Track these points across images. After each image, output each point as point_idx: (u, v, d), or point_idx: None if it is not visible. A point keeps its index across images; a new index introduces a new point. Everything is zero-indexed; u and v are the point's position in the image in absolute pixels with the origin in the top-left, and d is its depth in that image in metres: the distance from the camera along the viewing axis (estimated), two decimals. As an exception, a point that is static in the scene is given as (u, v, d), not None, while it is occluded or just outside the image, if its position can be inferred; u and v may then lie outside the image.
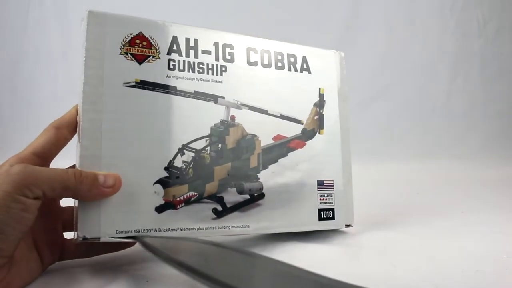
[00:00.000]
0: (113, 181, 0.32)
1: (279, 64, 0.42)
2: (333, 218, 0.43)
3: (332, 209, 0.43)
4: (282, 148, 0.41)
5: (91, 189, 0.31)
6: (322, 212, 0.43)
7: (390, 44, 1.25)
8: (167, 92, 0.36)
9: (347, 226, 0.44)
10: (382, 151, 1.12)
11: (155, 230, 0.33)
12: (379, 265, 0.32)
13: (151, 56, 0.36)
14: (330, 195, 0.43)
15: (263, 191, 0.39)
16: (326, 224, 0.43)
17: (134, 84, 0.34)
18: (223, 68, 0.39)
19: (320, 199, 0.43)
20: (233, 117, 0.38)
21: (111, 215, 0.32)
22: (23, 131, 1.05)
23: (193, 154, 0.36)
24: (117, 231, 0.32)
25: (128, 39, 0.35)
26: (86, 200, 0.31)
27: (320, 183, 0.43)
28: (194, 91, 0.37)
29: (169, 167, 0.35)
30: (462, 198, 0.69)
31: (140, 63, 0.35)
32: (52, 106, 1.06)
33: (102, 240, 0.31)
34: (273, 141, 0.41)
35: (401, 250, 0.40)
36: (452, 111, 1.25)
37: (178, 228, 0.34)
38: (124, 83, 0.34)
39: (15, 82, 1.09)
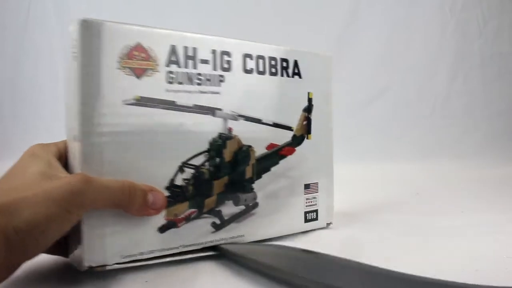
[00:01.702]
0: (161, 204, 0.32)
1: (273, 70, 0.42)
2: (316, 218, 0.45)
3: (316, 211, 0.45)
4: (274, 156, 0.41)
5: (140, 208, 0.31)
6: (307, 214, 0.44)
7: (390, 44, 1.25)
8: (167, 108, 0.34)
9: (328, 224, 0.46)
10: (382, 151, 1.12)
11: (159, 250, 0.33)
12: (378, 265, 0.32)
13: (150, 69, 0.34)
14: (314, 197, 0.45)
15: (257, 200, 0.40)
16: (311, 225, 0.44)
17: (134, 102, 0.32)
18: (221, 78, 0.38)
19: (306, 202, 0.44)
20: (230, 129, 0.38)
21: (116, 241, 0.31)
22: (23, 131, 1.05)
23: (192, 171, 0.35)
24: (122, 256, 0.32)
25: (126, 51, 0.32)
26: (132, 215, 0.31)
27: (307, 186, 0.44)
28: (193, 104, 0.36)
29: (170, 187, 0.34)
30: (462, 198, 0.69)
31: (139, 77, 0.33)
32: (53, 106, 1.06)
33: (108, 268, 0.31)
34: (267, 150, 0.41)
35: (401, 249, 0.40)
36: (452, 111, 1.25)
37: (180, 246, 0.35)
38: (124, 101, 0.32)
39: (15, 82, 1.09)
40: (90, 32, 0.30)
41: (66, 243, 0.32)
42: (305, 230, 0.44)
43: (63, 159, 0.31)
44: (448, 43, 1.29)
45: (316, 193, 0.45)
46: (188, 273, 0.33)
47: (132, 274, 0.32)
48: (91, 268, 0.30)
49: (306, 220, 0.44)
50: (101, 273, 0.32)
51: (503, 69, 1.31)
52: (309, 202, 0.44)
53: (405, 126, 1.20)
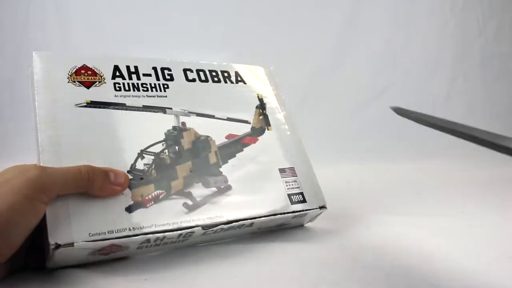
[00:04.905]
0: (123, 179, 0.34)
1: (216, 79, 0.47)
2: (304, 201, 0.45)
3: (301, 193, 0.45)
4: (237, 144, 0.44)
5: (103, 187, 0.32)
6: (292, 197, 0.44)
7: (390, 44, 1.25)
8: (117, 108, 0.39)
9: (322, 207, 0.45)
10: (382, 151, 1.12)
11: (129, 229, 0.33)
12: (380, 264, 0.32)
13: (97, 82, 0.40)
14: (295, 181, 0.46)
15: (229, 183, 0.41)
16: (300, 206, 0.44)
17: (85, 104, 0.38)
18: (165, 86, 0.43)
19: (287, 185, 0.45)
20: (184, 124, 0.42)
21: (82, 218, 0.32)
22: (23, 131, 1.05)
23: (153, 157, 0.38)
24: (90, 234, 0.31)
25: (73, 70, 0.39)
26: (98, 196, 0.33)
27: (282, 171, 0.46)
28: (143, 105, 0.40)
29: (131, 170, 0.36)
30: (462, 198, 0.69)
31: (88, 87, 0.39)
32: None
33: (76, 246, 0.30)
34: (227, 140, 0.43)
35: (401, 249, 0.40)
36: (452, 111, 1.25)
37: (152, 225, 0.35)
38: (76, 104, 0.37)
39: (15, 82, 1.09)
40: (41, 60, 0.38)
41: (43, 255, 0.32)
42: (295, 210, 0.43)
43: None
44: (448, 43, 1.29)
45: (295, 177, 0.46)
46: (187, 271, 0.33)
47: (131, 271, 0.32)
48: (57, 246, 0.30)
49: (293, 202, 0.44)
50: (99, 270, 0.31)
51: (503, 69, 1.31)
52: (289, 185, 0.45)
53: (405, 126, 1.20)
